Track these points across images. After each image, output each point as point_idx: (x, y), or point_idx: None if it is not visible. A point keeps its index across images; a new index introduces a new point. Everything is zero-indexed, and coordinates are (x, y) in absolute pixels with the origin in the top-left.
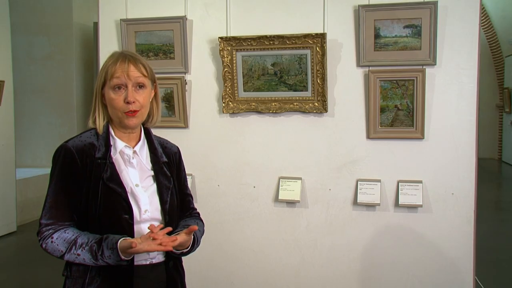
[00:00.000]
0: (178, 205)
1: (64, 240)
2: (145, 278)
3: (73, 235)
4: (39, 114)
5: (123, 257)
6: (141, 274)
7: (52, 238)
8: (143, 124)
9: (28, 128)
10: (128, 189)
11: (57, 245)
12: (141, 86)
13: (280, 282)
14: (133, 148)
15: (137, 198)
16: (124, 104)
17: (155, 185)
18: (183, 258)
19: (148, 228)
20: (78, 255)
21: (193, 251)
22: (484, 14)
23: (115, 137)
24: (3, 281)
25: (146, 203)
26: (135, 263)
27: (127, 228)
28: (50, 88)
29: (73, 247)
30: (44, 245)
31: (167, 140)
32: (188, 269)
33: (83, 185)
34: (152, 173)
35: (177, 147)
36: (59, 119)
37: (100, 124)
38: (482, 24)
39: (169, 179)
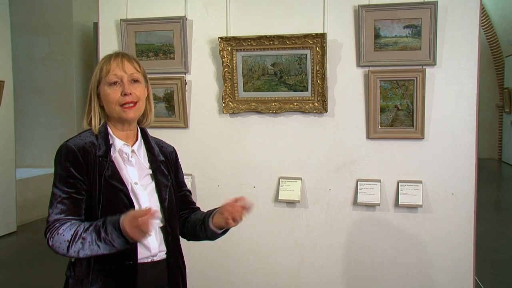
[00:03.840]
0: (177, 202)
1: (70, 229)
2: (147, 276)
3: (79, 223)
4: (39, 114)
5: (126, 235)
6: (143, 272)
7: (59, 231)
8: (138, 124)
9: (28, 128)
10: (128, 187)
11: (63, 235)
12: (135, 80)
13: (280, 282)
14: (131, 147)
15: (137, 196)
16: (121, 97)
17: (153, 183)
18: (185, 255)
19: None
20: (84, 238)
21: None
22: (484, 14)
23: (113, 136)
24: (3, 281)
25: (145, 201)
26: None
27: None
28: (50, 88)
29: (79, 232)
30: (50, 242)
31: (162, 141)
32: (189, 269)
33: (85, 182)
34: (150, 171)
35: (173, 147)
36: (59, 119)
37: (95, 124)
38: (482, 24)
39: (166, 177)
